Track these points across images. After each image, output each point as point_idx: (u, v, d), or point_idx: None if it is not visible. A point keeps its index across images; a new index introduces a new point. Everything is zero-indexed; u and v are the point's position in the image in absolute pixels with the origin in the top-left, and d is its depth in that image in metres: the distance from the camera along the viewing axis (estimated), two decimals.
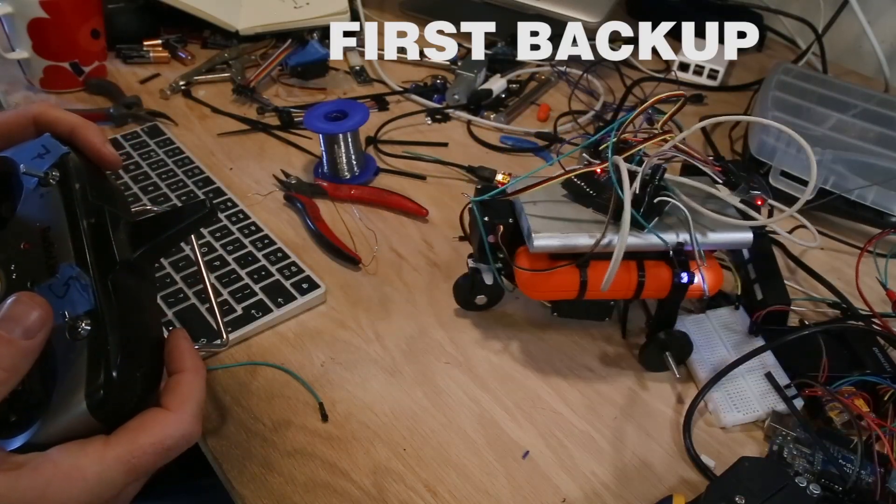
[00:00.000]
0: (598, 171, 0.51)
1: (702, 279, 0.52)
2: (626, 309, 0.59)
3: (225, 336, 0.47)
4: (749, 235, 0.52)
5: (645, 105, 0.54)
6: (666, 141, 0.51)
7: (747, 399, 0.53)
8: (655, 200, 0.50)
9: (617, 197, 0.49)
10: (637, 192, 0.49)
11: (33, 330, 0.32)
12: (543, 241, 0.50)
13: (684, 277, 0.51)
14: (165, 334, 0.41)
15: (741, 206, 0.52)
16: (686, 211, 0.51)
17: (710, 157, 0.53)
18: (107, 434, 0.34)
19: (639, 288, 0.52)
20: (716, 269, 0.53)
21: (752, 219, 0.52)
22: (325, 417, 0.51)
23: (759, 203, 0.51)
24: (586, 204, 0.52)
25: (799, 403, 0.52)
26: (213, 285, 0.49)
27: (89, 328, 0.34)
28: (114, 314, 0.35)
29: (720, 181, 0.53)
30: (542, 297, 0.57)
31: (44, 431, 0.34)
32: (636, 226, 0.49)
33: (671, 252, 0.51)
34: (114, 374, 0.34)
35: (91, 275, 0.36)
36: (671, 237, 0.51)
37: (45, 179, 0.40)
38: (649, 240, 0.50)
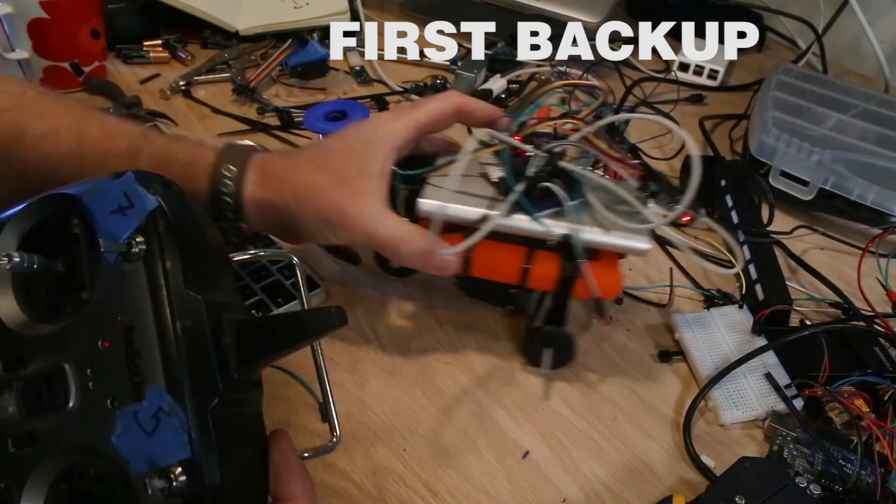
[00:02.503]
0: (518, 151, 0.50)
1: (590, 279, 0.49)
2: (541, 300, 0.54)
3: (339, 432, 0.42)
4: (644, 245, 0.49)
5: (544, 88, 0.53)
6: (577, 130, 0.49)
7: (748, 398, 0.53)
8: (539, 186, 0.48)
9: (511, 176, 0.48)
10: (531, 175, 0.48)
11: None
12: (426, 205, 0.50)
13: (567, 271, 0.49)
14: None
15: (647, 212, 0.49)
16: (568, 202, 0.48)
17: (635, 162, 0.51)
18: None
19: (524, 275, 0.51)
20: (611, 273, 0.51)
21: (656, 227, 0.49)
22: (325, 418, 0.51)
23: (687, 219, 0.49)
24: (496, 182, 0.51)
25: (799, 403, 0.52)
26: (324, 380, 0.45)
27: (184, 479, 0.28)
28: (213, 463, 0.29)
29: (635, 185, 0.50)
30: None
31: None
32: (525, 210, 0.48)
33: (554, 242, 0.49)
34: None
35: (187, 411, 0.29)
36: (560, 230, 0.49)
37: (128, 253, 0.31)
38: (534, 227, 0.49)
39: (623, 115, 0.49)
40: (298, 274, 0.48)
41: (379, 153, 0.49)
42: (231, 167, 0.48)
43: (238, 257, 0.43)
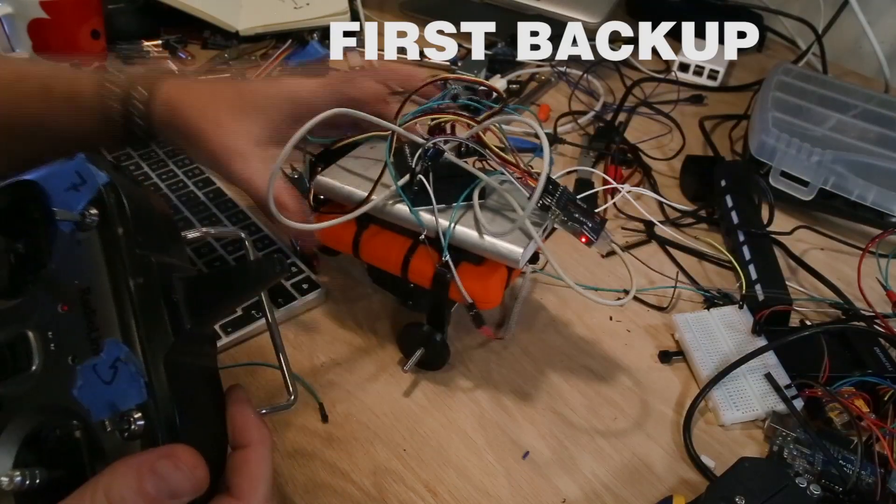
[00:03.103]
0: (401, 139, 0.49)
1: (458, 281, 0.48)
2: (441, 302, 0.52)
3: (294, 392, 0.43)
4: (515, 255, 0.46)
5: (423, 85, 0.52)
6: (470, 126, 0.48)
7: (748, 398, 0.53)
8: (416, 179, 0.47)
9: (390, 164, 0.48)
10: (413, 167, 0.47)
11: (184, 492, 0.30)
12: (319, 181, 0.51)
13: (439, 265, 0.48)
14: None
15: (527, 222, 0.46)
16: (434, 202, 0.47)
17: (526, 167, 0.48)
18: None
19: (404, 266, 0.50)
20: (491, 281, 0.49)
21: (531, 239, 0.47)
22: (325, 418, 0.51)
23: (584, 241, 0.47)
24: (403, 172, 0.49)
25: (799, 404, 0.52)
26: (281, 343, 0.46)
27: (142, 423, 0.30)
28: (168, 406, 0.31)
29: (528, 194, 0.47)
30: (329, 242, 0.55)
31: None
32: (405, 200, 0.47)
33: (426, 238, 0.48)
34: None
35: (141, 357, 0.32)
36: (433, 225, 0.48)
37: (82, 223, 0.34)
38: (410, 218, 0.48)
39: (498, 118, 0.48)
40: (248, 247, 0.49)
41: (272, 107, 0.53)
42: (142, 91, 0.53)
43: (189, 235, 0.45)
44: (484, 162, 0.50)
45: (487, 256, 0.48)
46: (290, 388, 0.43)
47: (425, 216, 0.48)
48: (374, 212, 0.49)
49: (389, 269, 0.52)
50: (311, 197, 0.53)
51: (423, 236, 0.48)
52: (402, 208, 0.48)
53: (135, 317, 0.32)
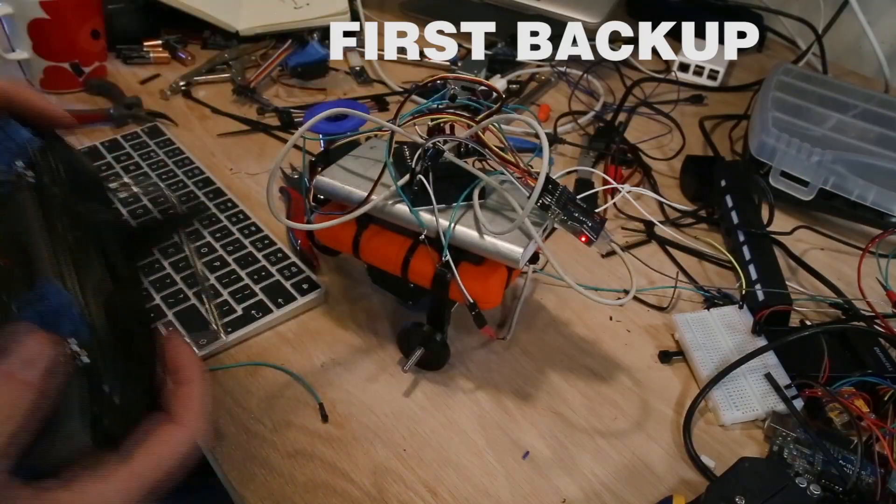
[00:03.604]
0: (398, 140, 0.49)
1: (459, 281, 0.48)
2: (441, 302, 0.52)
3: (223, 334, 0.46)
4: (515, 255, 0.46)
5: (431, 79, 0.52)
6: (469, 126, 0.47)
7: (748, 398, 0.53)
8: (416, 179, 0.47)
9: (389, 164, 0.48)
10: (412, 167, 0.47)
11: (51, 369, 0.32)
12: (319, 181, 0.51)
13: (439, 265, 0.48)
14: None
15: (527, 222, 0.46)
16: (435, 202, 0.47)
17: (526, 166, 0.48)
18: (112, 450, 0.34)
19: (404, 266, 0.50)
20: (491, 282, 0.49)
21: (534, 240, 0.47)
22: (325, 418, 0.51)
23: (583, 240, 0.47)
24: (402, 172, 0.49)
25: (799, 404, 0.52)
26: (212, 285, 0.48)
27: (86, 360, 0.33)
28: (108, 340, 0.34)
29: (524, 190, 0.47)
30: (328, 242, 0.55)
31: (44, 456, 0.33)
32: (405, 200, 0.48)
33: (426, 237, 0.48)
34: (116, 401, 0.33)
35: (81, 300, 0.34)
36: (434, 225, 0.47)
37: (18, 183, 0.36)
38: (410, 218, 0.48)
39: (497, 117, 0.48)
40: (173, 201, 0.50)
41: None
42: None
43: (112, 185, 0.48)
44: (483, 162, 0.50)
45: (488, 256, 0.48)
46: (216, 323, 0.45)
47: (425, 216, 0.48)
48: (374, 212, 0.49)
49: (389, 269, 0.52)
50: (311, 196, 0.53)
51: (423, 236, 0.48)
52: (402, 208, 0.48)
53: (74, 266, 0.35)
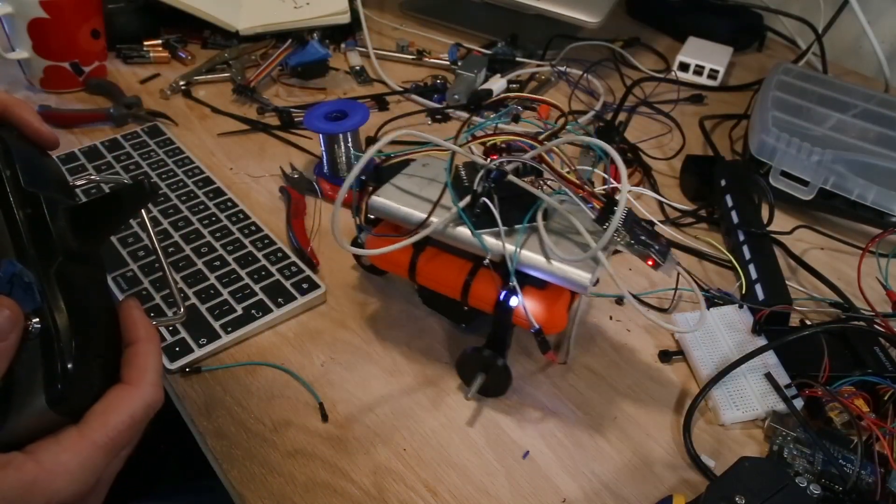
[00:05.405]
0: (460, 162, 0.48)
1: (524, 308, 0.47)
2: (504, 327, 0.51)
3: (182, 308, 0.45)
4: (581, 280, 0.45)
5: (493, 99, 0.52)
6: (533, 147, 0.47)
7: (748, 398, 0.53)
8: (479, 202, 0.46)
9: (451, 186, 0.47)
10: (475, 189, 0.46)
11: (5, 331, 0.33)
12: (374, 201, 0.50)
13: (502, 294, 0.47)
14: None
15: (597, 249, 0.45)
16: (499, 223, 0.46)
17: (600, 190, 0.47)
18: (76, 422, 0.35)
19: (465, 290, 0.49)
20: (556, 306, 0.48)
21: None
22: (325, 418, 0.51)
23: (650, 264, 0.46)
24: (460, 192, 0.48)
25: (799, 403, 0.52)
26: (180, 270, 0.48)
27: (39, 326, 0.34)
28: (61, 308, 0.35)
29: (592, 216, 0.46)
30: (381, 264, 0.55)
31: (10, 432, 0.34)
32: (466, 223, 0.47)
33: (490, 262, 0.47)
34: (69, 367, 0.34)
35: (33, 270, 0.36)
36: (499, 249, 0.47)
37: None
38: (473, 241, 0.47)
39: (564, 138, 0.47)
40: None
41: None
42: None
43: (79, 182, 0.48)
44: (541, 181, 0.49)
45: (553, 282, 0.47)
46: (179, 305, 0.45)
47: (489, 239, 0.47)
48: (435, 234, 0.48)
49: (448, 293, 0.51)
50: (363, 216, 0.53)
51: (487, 260, 0.47)
52: (464, 231, 0.47)
53: (27, 240, 0.37)
